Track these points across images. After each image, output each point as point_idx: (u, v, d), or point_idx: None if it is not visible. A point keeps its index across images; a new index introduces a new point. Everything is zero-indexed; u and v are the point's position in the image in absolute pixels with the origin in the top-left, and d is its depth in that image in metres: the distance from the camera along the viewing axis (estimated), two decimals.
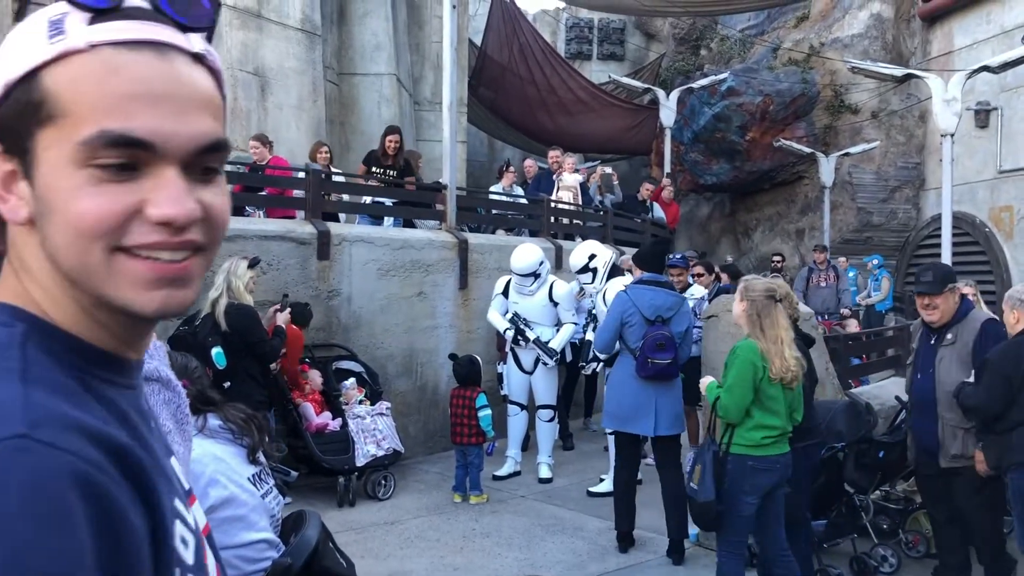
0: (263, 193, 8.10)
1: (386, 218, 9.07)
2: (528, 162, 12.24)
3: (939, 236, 9.66)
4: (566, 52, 18.80)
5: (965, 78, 9.22)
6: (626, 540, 5.38)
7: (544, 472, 7.13)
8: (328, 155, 9.03)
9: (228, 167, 8.36)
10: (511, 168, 11.06)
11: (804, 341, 4.61)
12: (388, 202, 9.00)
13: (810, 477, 4.60)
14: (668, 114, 14.26)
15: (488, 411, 6.32)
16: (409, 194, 8.99)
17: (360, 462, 6.32)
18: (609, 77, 16.68)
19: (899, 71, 10.50)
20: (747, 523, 4.03)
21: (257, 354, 5.37)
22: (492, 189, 11.21)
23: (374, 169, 8.91)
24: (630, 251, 8.82)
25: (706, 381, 4.40)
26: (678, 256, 7.46)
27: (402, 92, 12.24)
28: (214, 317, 5.22)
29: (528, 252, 7.11)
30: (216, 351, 5.15)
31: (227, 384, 5.14)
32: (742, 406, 3.94)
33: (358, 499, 6.35)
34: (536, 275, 7.04)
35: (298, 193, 7.88)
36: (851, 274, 12.55)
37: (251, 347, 5.31)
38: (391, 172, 8.87)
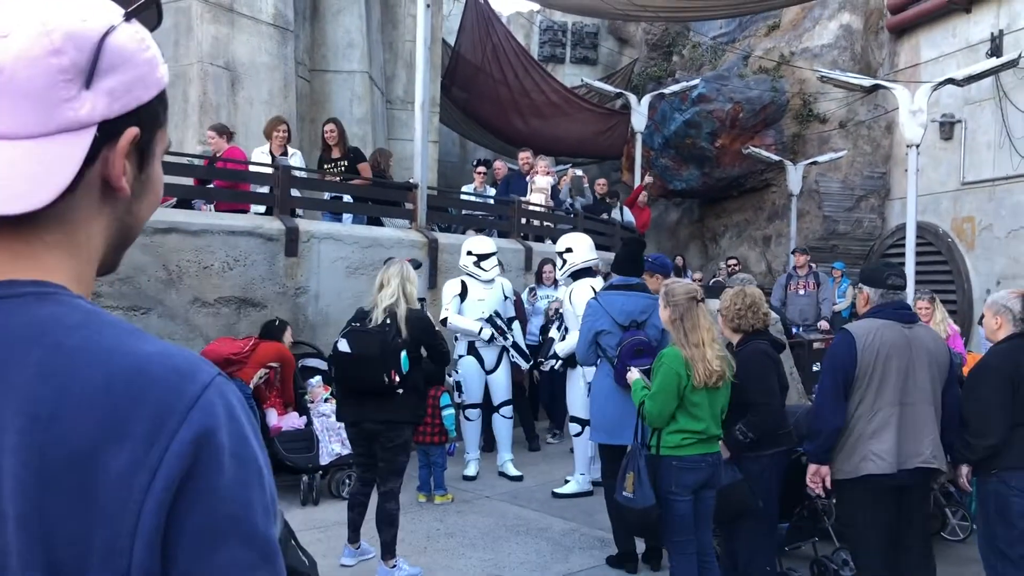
0: (211, 186, 7.75)
1: (345, 215, 8.88)
2: (497, 163, 12.24)
3: (903, 245, 9.80)
4: (539, 55, 18.83)
5: (931, 90, 9.38)
6: (631, 560, 5.11)
7: (511, 470, 7.14)
8: (286, 134, 8.43)
9: (185, 160, 8.16)
10: (479, 168, 11.05)
11: (774, 346, 4.63)
12: (347, 198, 8.88)
13: (781, 483, 4.58)
14: (639, 119, 14.35)
15: (451, 410, 6.29)
16: (379, 192, 8.93)
17: (324, 461, 6.28)
18: (582, 81, 16.76)
19: (867, 81, 10.64)
20: (685, 520, 4.04)
21: (437, 355, 5.17)
22: (464, 189, 11.20)
23: (326, 167, 8.73)
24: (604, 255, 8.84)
25: (633, 375, 4.38)
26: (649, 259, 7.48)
27: (374, 90, 12.19)
28: (397, 323, 4.87)
29: (482, 237, 7.34)
30: (403, 355, 4.89)
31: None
32: (665, 413, 3.97)
33: (322, 498, 6.30)
34: (494, 254, 7.12)
35: (264, 188, 7.77)
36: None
37: (432, 349, 5.09)
38: (342, 165, 8.69)
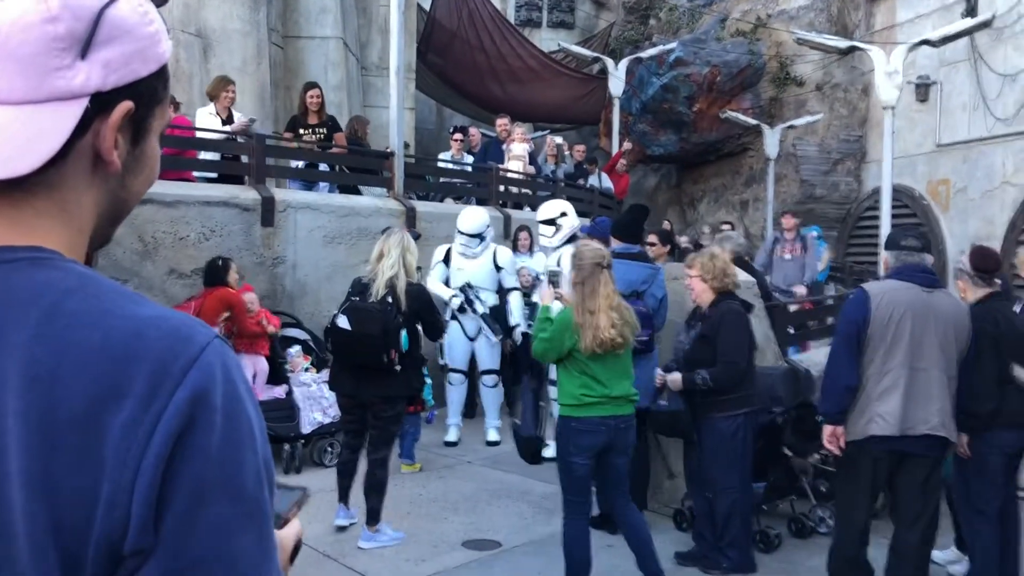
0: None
1: (320, 183, 8.74)
2: (472, 130, 12.15)
3: (879, 208, 9.87)
4: (516, 19, 18.64)
5: (907, 51, 9.40)
6: (612, 521, 5.05)
7: (492, 435, 7.20)
8: (234, 94, 8.07)
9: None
10: (456, 135, 10.96)
11: (743, 307, 4.69)
12: (323, 166, 8.76)
13: (754, 442, 4.67)
14: (617, 84, 14.28)
15: (428, 380, 6.30)
16: (356, 160, 8.84)
17: (306, 429, 6.30)
18: (559, 45, 16.61)
19: (843, 43, 10.65)
20: (582, 483, 4.06)
21: (433, 330, 5.15)
22: (441, 156, 11.14)
23: (301, 132, 8.51)
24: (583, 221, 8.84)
25: (547, 298, 4.26)
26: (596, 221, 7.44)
27: (349, 56, 12.04)
28: (397, 297, 4.79)
29: (476, 213, 7.20)
30: (403, 333, 4.87)
31: None
32: (548, 359, 4.13)
33: (304, 466, 6.33)
34: (482, 237, 7.05)
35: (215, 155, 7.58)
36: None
37: (428, 325, 5.06)
38: (320, 132, 8.52)
